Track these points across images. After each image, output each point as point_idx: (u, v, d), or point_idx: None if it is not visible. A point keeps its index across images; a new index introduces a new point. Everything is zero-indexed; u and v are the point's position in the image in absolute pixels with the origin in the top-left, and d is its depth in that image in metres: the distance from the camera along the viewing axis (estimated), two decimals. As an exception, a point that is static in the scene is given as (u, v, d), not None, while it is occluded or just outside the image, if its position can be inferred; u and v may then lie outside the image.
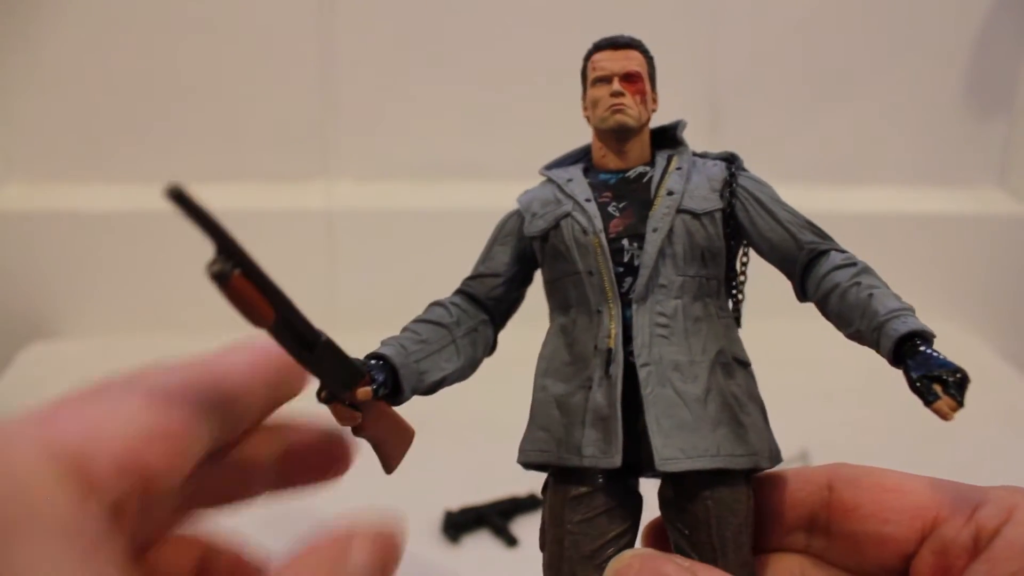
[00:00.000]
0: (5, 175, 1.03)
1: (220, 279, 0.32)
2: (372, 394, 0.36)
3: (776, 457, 0.38)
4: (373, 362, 0.37)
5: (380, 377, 0.36)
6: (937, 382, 0.32)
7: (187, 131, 1.03)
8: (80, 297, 1.03)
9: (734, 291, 0.41)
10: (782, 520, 0.38)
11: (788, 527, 0.39)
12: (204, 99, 1.02)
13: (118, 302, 1.04)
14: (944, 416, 0.31)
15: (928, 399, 0.32)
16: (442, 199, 1.05)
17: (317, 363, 0.35)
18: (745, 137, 1.07)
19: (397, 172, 1.06)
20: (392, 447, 0.40)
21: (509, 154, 1.07)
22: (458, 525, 0.71)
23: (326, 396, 0.36)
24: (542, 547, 0.39)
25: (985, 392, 1.00)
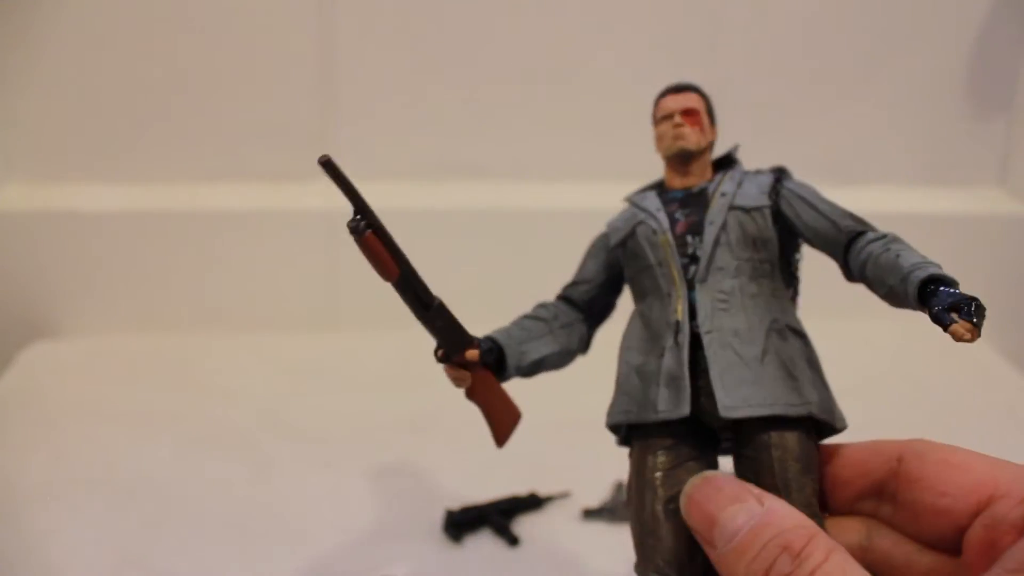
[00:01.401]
0: (5, 175, 1.03)
1: (356, 232, 0.39)
2: (479, 356, 0.44)
3: (829, 411, 0.43)
4: (483, 340, 0.45)
5: (487, 346, 0.44)
6: (953, 310, 0.36)
7: (187, 131, 1.03)
8: (80, 297, 1.03)
9: (790, 277, 0.47)
10: (854, 486, 0.42)
11: (859, 493, 0.42)
12: (204, 99, 1.01)
13: (118, 302, 1.04)
14: (960, 337, 0.35)
15: (945, 323, 0.35)
16: (442, 199, 1.05)
17: (432, 321, 0.42)
18: (745, 137, 1.07)
19: (397, 172, 1.06)
20: (500, 421, 0.47)
21: (509, 154, 1.07)
22: (459, 524, 0.71)
23: (442, 355, 0.43)
24: (628, 500, 0.44)
25: (985, 392, 1.00)
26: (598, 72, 1.03)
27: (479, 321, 0.47)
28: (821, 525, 0.40)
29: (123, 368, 0.96)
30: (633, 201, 0.49)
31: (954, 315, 0.35)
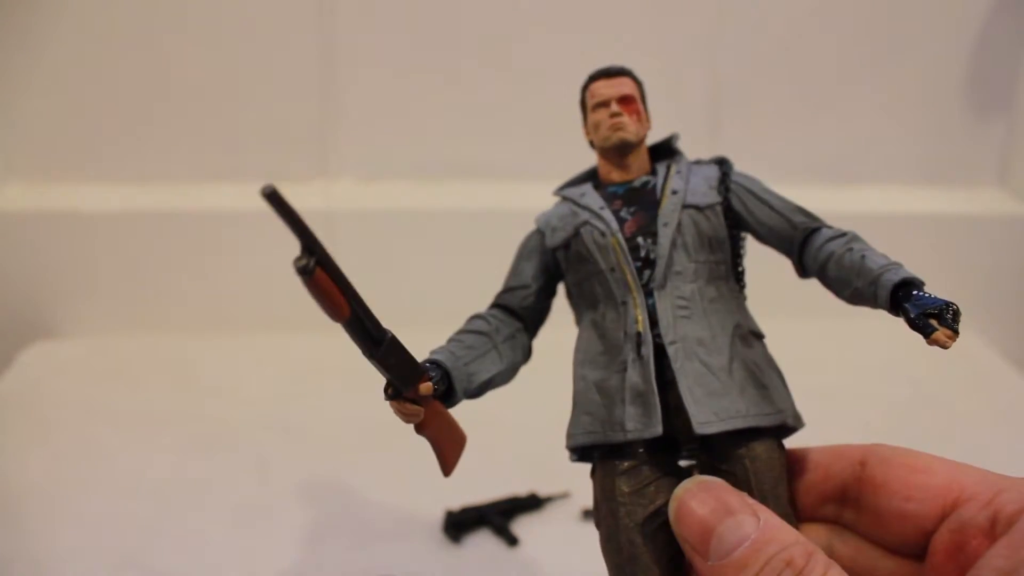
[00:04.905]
0: (5, 175, 1.03)
1: (304, 272, 0.35)
2: (432, 389, 0.40)
3: (799, 418, 0.42)
4: (428, 364, 0.41)
5: (437, 376, 0.40)
6: (933, 317, 0.36)
7: (187, 131, 1.03)
8: (80, 297, 1.03)
9: (740, 276, 0.45)
10: (817, 491, 0.42)
11: (823, 498, 0.42)
12: (204, 99, 1.01)
13: (118, 302, 1.04)
14: (943, 344, 0.35)
15: (927, 332, 0.35)
16: (442, 199, 1.05)
17: (384, 358, 0.38)
18: (745, 137, 1.08)
19: (397, 172, 1.06)
20: (448, 449, 0.44)
21: (509, 154, 1.07)
22: (459, 525, 0.71)
23: (392, 393, 0.40)
24: (597, 524, 0.42)
25: (985, 392, 1.00)
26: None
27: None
28: (798, 529, 0.39)
29: (123, 368, 0.96)
30: (569, 197, 0.45)
31: (933, 322, 0.35)
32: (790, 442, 0.42)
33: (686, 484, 0.38)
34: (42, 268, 1.02)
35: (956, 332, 0.35)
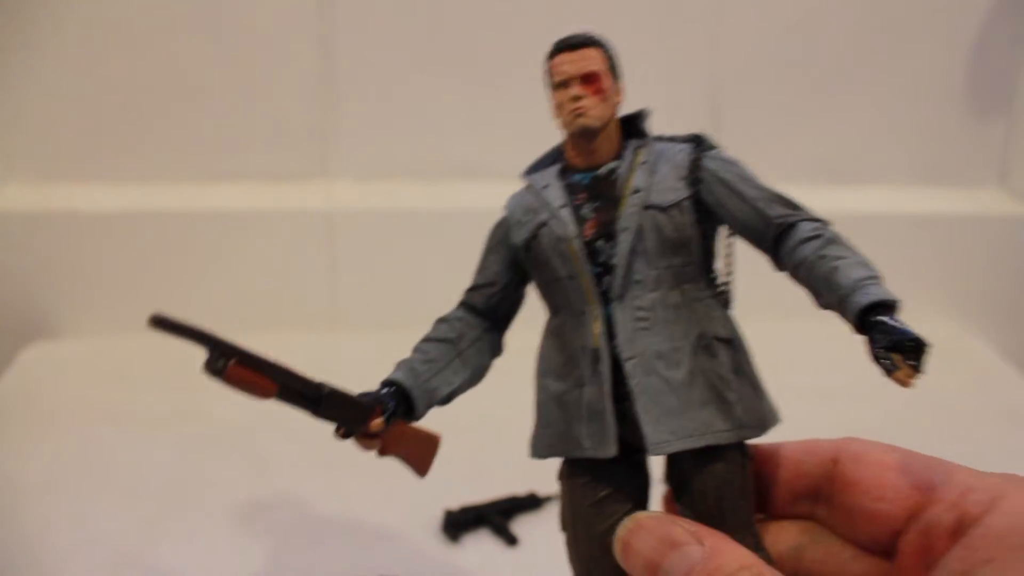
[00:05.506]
0: (5, 175, 1.03)
1: (217, 374, 0.37)
2: (384, 423, 0.40)
3: (764, 425, 0.40)
4: (386, 390, 0.41)
5: (392, 404, 0.40)
6: (897, 351, 0.32)
7: (187, 131, 1.03)
8: (80, 297, 1.03)
9: (713, 272, 0.42)
10: (790, 488, 0.41)
11: (796, 495, 0.41)
12: (204, 99, 1.01)
13: (118, 302, 1.04)
14: (902, 384, 0.32)
15: (888, 370, 0.33)
16: (442, 199, 1.05)
17: (328, 413, 0.39)
18: (745, 137, 1.07)
19: (397, 172, 1.06)
20: (419, 457, 0.44)
21: (509, 154, 1.07)
22: (458, 524, 0.71)
23: (343, 434, 0.40)
24: (563, 528, 0.42)
25: (985, 392, 1.00)
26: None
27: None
28: (758, 542, 0.39)
29: (123, 368, 0.96)
30: (534, 185, 0.43)
31: (897, 358, 0.32)
32: (768, 437, 0.41)
33: (626, 523, 0.37)
34: (42, 268, 1.02)
35: (919, 371, 0.32)
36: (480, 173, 1.06)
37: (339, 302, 1.06)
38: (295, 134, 1.04)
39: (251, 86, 1.02)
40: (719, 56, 1.06)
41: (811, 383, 0.83)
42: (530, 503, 0.73)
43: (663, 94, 1.16)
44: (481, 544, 0.70)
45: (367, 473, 0.79)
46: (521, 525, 0.72)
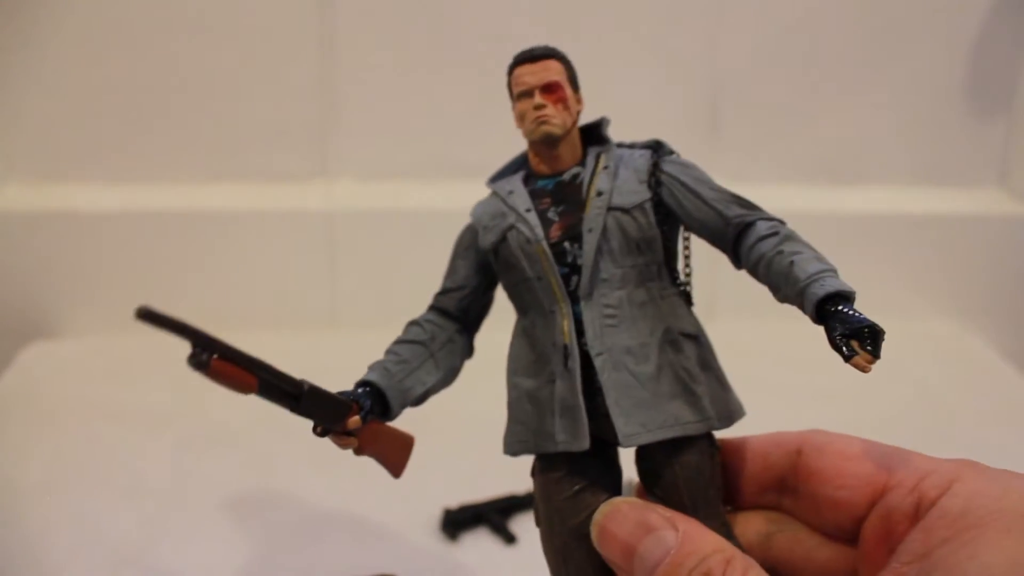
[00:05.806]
0: (5, 175, 1.03)
1: (201, 367, 0.38)
2: (361, 421, 0.41)
3: (730, 417, 0.41)
4: (361, 390, 0.42)
5: (367, 403, 0.41)
6: (855, 338, 0.34)
7: (187, 131, 1.03)
8: (80, 297, 1.03)
9: (676, 272, 0.44)
10: (757, 480, 0.43)
11: (762, 487, 0.43)
12: (204, 99, 1.02)
13: (118, 302, 1.03)
14: (862, 369, 0.34)
15: (846, 355, 0.34)
16: (442, 199, 1.04)
17: (306, 410, 0.40)
18: (745, 137, 1.08)
19: (397, 172, 1.06)
20: (393, 457, 0.45)
21: (509, 154, 1.07)
22: (457, 523, 0.71)
23: (321, 431, 0.41)
24: (537, 523, 0.43)
25: (985, 392, 1.00)
26: (598, 72, 1.03)
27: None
28: (729, 531, 0.41)
29: (123, 368, 0.96)
30: (499, 192, 0.45)
31: (855, 344, 0.34)
32: (735, 430, 0.42)
33: (604, 508, 0.39)
34: (42, 268, 1.02)
35: (877, 356, 0.34)
36: (480, 173, 1.06)
37: (339, 302, 1.06)
38: (295, 134, 1.04)
39: (251, 86, 1.02)
40: (719, 56, 1.05)
41: (812, 382, 0.83)
42: (528, 502, 0.73)
43: (663, 94, 1.16)
44: (480, 542, 0.70)
45: (366, 473, 0.79)
46: (519, 524, 0.72)
